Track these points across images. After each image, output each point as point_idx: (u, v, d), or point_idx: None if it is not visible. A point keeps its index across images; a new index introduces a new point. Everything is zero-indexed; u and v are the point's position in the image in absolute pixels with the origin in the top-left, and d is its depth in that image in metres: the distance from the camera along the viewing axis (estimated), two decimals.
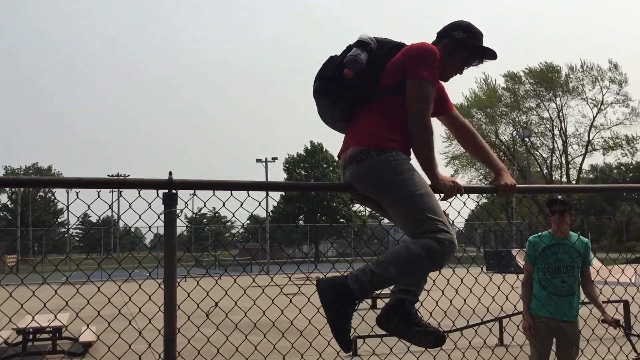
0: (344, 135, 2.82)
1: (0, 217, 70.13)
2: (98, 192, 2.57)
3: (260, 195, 2.74)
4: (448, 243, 2.40)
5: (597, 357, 4.45)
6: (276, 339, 3.37)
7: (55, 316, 3.72)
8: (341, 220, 57.31)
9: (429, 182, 2.62)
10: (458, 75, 2.85)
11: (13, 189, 66.05)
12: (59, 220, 71.19)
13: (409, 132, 2.64)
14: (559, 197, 4.73)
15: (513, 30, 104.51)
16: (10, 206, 70.01)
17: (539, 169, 51.69)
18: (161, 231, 2.49)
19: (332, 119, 2.85)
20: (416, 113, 2.60)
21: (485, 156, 3.01)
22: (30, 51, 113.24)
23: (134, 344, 3.08)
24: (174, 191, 2.48)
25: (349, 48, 2.70)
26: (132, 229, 4.82)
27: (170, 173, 2.49)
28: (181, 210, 2.57)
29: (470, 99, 52.19)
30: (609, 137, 49.48)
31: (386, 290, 2.66)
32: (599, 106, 49.00)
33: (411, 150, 2.68)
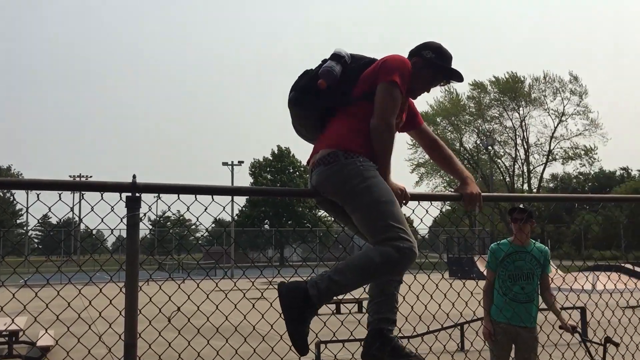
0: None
1: None
2: (59, 195, 2.54)
3: (225, 199, 2.75)
4: (408, 251, 2.44)
5: None
6: (239, 343, 3.36)
7: (13, 320, 3.65)
8: (307, 224, 57.24)
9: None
10: (425, 93, 2.92)
11: None
12: (18, 221, 69.48)
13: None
14: (520, 205, 4.84)
15: (480, 39, 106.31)
16: None
17: (501, 177, 52.61)
18: (124, 234, 2.46)
19: (305, 129, 2.89)
20: (381, 110, 2.64)
21: (452, 165, 3.06)
22: None
23: (93, 349, 3.04)
24: (137, 194, 2.47)
25: (324, 61, 2.77)
26: (94, 232, 4.75)
27: (134, 176, 2.47)
28: (144, 214, 2.56)
29: (435, 107, 52.89)
30: (568, 148, 50.90)
31: (349, 296, 2.69)
32: (560, 117, 50.25)
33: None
